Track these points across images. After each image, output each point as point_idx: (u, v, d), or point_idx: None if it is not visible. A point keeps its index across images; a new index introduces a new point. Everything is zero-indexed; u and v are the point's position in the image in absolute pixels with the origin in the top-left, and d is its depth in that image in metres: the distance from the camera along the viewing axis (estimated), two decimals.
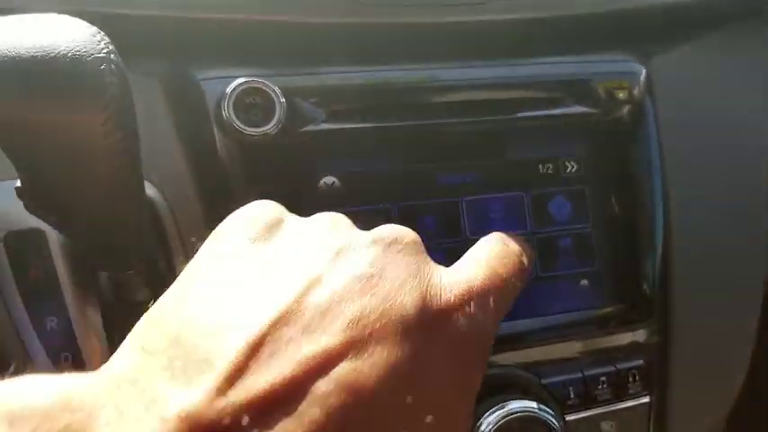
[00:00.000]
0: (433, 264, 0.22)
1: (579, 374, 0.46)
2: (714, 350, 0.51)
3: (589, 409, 0.46)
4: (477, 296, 0.21)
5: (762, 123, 0.53)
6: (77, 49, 0.24)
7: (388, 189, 0.45)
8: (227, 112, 0.41)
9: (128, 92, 0.27)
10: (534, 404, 0.41)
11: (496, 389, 0.43)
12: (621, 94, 0.50)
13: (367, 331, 0.18)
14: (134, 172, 0.30)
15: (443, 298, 0.20)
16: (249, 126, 0.40)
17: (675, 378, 0.49)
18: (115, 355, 0.19)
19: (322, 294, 0.19)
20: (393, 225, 0.22)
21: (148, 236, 0.39)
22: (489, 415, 0.41)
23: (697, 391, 0.50)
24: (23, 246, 0.37)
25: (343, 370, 0.17)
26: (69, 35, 0.24)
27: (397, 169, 0.45)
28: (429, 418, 0.18)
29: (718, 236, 0.51)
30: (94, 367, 0.35)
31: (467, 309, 0.20)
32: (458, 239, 0.46)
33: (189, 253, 0.39)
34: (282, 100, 0.40)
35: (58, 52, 0.23)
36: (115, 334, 0.41)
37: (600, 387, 0.46)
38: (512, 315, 0.46)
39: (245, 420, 0.16)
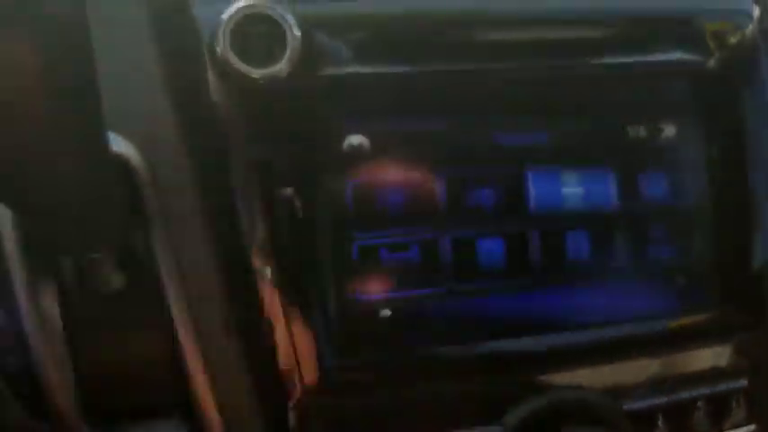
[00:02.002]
0: None
1: (669, 398, 0.40)
2: None
3: None
4: None
5: None
6: None
7: (431, 152, 0.39)
8: (223, 45, 0.34)
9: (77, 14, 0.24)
10: None
11: (566, 417, 0.37)
12: (733, 39, 0.43)
13: None
14: (85, 117, 0.27)
15: None
16: (252, 65, 0.34)
17: None
18: None
19: None
20: None
21: (119, 207, 0.33)
22: None
23: None
24: None
25: None
26: None
27: (443, 127, 0.39)
28: None
29: None
30: (49, 376, 0.28)
31: None
32: (521, 218, 0.39)
33: (171, 228, 0.35)
34: (297, 32, 0.34)
35: None
36: (78, 332, 0.35)
37: (695, 414, 0.40)
38: (583, 322, 0.38)
39: None
